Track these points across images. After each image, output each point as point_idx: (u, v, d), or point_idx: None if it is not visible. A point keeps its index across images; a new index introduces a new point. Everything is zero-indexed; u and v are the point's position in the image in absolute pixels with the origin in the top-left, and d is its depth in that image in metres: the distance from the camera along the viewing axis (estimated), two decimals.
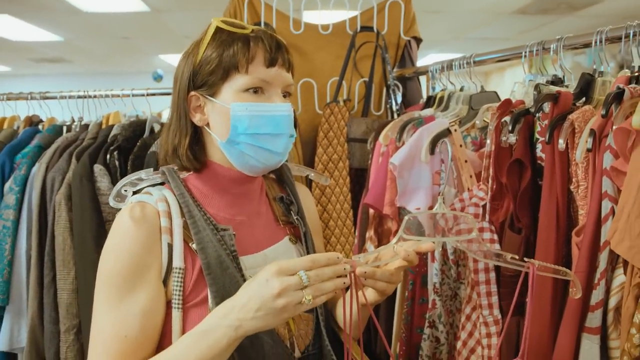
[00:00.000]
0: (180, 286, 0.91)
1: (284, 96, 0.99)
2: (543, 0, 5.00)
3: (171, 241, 0.93)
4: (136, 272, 0.89)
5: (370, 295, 0.96)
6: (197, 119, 0.99)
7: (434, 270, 1.42)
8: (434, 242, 0.91)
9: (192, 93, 0.97)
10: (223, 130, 0.96)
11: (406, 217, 0.90)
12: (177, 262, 0.92)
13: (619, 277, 0.97)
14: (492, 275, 1.26)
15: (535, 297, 1.13)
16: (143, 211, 0.93)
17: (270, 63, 0.95)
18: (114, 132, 1.88)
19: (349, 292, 0.90)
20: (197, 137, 1.01)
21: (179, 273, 0.92)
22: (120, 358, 0.87)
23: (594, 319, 0.99)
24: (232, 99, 0.94)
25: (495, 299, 1.26)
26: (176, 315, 0.91)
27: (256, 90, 0.95)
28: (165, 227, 0.93)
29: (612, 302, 0.98)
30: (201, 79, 0.96)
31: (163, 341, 0.91)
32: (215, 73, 0.94)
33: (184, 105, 0.99)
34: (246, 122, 0.93)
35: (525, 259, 0.92)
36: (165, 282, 0.92)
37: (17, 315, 1.79)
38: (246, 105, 0.94)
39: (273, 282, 0.79)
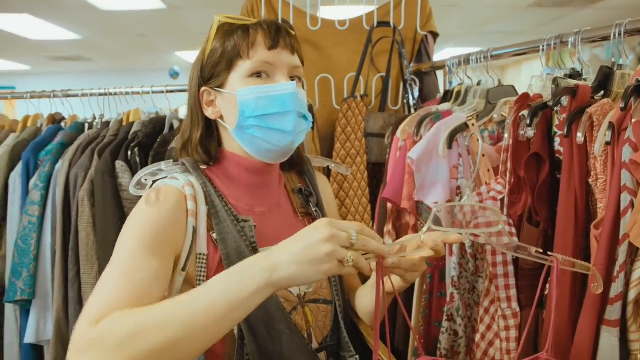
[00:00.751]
0: (204, 272, 0.93)
1: (292, 79, 1.00)
2: None
3: (196, 225, 0.94)
4: (155, 240, 0.87)
5: (395, 281, 0.96)
6: (209, 112, 1.01)
7: (452, 264, 1.43)
8: (461, 234, 0.92)
9: (203, 88, 1.01)
10: (233, 118, 0.98)
11: (435, 209, 0.91)
12: (202, 248, 0.94)
13: (638, 270, 0.97)
14: (511, 268, 1.27)
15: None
16: (159, 194, 0.92)
17: (272, 45, 0.96)
18: (134, 129, 1.91)
19: (374, 280, 0.90)
20: (211, 131, 1.03)
21: (202, 259, 0.93)
22: (131, 298, 0.80)
23: (613, 312, 0.99)
24: (238, 86, 0.96)
25: (513, 292, 1.26)
26: None
27: (259, 74, 0.96)
28: (192, 210, 0.94)
29: (632, 295, 0.98)
30: (209, 73, 1.00)
31: None
32: (220, 64, 0.98)
33: (195, 101, 1.02)
34: (253, 105, 0.95)
35: (549, 253, 0.91)
36: (185, 266, 0.92)
37: (43, 309, 1.83)
38: (251, 89, 0.95)
39: (324, 228, 0.76)
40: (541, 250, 0.92)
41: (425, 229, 0.90)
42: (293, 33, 1.03)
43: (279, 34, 0.98)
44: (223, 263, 0.93)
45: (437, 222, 0.92)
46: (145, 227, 0.88)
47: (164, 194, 0.93)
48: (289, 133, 0.98)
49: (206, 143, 1.02)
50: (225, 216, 0.96)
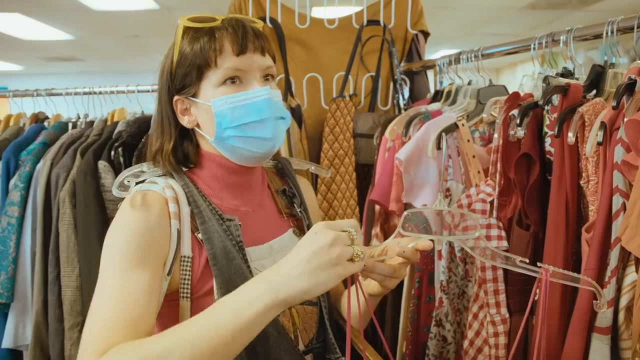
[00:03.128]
0: (189, 275, 0.90)
1: (266, 79, 0.97)
2: None
3: (180, 227, 0.91)
4: (143, 248, 0.86)
5: (373, 288, 0.96)
6: (185, 121, 0.99)
7: (440, 268, 1.40)
8: (432, 240, 0.88)
9: (176, 97, 0.97)
10: (210, 128, 0.96)
11: (405, 213, 0.87)
12: (186, 250, 0.91)
13: (631, 276, 0.94)
14: (500, 273, 1.23)
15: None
16: (145, 198, 0.91)
17: (240, 51, 0.93)
18: (118, 128, 1.87)
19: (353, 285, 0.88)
20: (189, 137, 1.01)
21: (187, 262, 0.90)
22: (128, 322, 0.79)
23: (604, 319, 0.96)
24: (211, 96, 0.93)
25: (502, 297, 1.23)
26: (185, 305, 0.89)
27: (233, 80, 0.93)
28: (174, 212, 0.91)
29: (623, 301, 0.94)
30: (179, 82, 0.96)
31: None
32: (190, 74, 0.94)
33: (167, 110, 0.99)
34: (229, 116, 0.93)
35: (539, 264, 0.84)
36: (170, 270, 0.89)
37: (21, 313, 1.80)
38: (225, 99, 0.93)
39: (325, 233, 0.74)
40: (527, 260, 0.86)
41: (392, 236, 0.87)
42: (261, 29, 0.99)
43: (246, 37, 0.94)
44: (209, 264, 0.91)
45: (424, 224, 0.88)
46: (131, 237, 0.86)
47: (139, 205, 0.90)
48: (269, 139, 0.96)
49: (184, 149, 1.00)
50: (209, 215, 0.94)
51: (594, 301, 0.86)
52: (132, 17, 5.68)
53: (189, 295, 0.90)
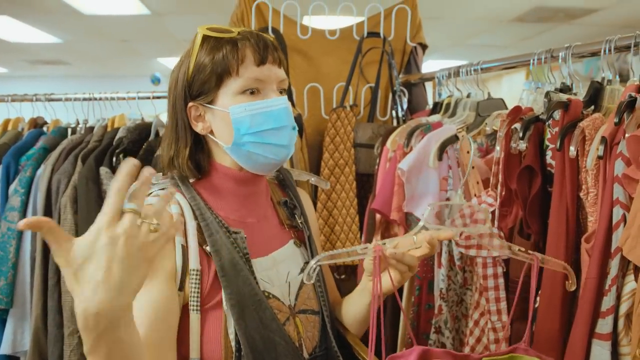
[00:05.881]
0: (198, 288, 0.91)
1: (280, 92, 1.00)
2: (541, 9, 5.03)
3: (185, 243, 0.93)
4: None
5: (384, 284, 1.00)
6: (199, 128, 1.00)
7: (440, 276, 1.43)
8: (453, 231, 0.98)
9: (191, 104, 0.98)
10: (227, 135, 0.97)
11: (429, 206, 0.94)
12: (194, 264, 0.92)
13: (630, 284, 0.98)
14: (501, 281, 1.27)
15: (546, 303, 1.14)
16: None
17: (261, 61, 0.96)
18: (119, 134, 1.87)
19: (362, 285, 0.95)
20: (200, 145, 1.02)
21: (195, 275, 0.91)
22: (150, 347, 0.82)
23: (604, 325, 0.99)
24: (229, 103, 0.95)
25: (504, 304, 1.26)
26: (194, 317, 0.90)
27: (252, 91, 0.96)
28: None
29: (623, 309, 0.98)
30: (197, 89, 0.97)
31: (180, 344, 0.91)
32: (209, 81, 0.95)
33: (183, 117, 0.99)
34: (247, 122, 0.95)
35: (530, 252, 0.99)
36: (181, 285, 0.91)
37: (20, 319, 1.78)
38: (244, 106, 0.95)
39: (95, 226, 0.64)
40: (524, 249, 1.04)
41: (417, 228, 0.92)
42: (276, 45, 1.02)
43: (266, 49, 0.97)
44: (218, 275, 0.92)
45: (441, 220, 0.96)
46: None
47: None
48: (285, 147, 0.99)
49: (196, 157, 1.01)
50: (217, 228, 0.96)
51: (566, 281, 1.03)
52: (122, 22, 5.65)
53: (198, 307, 0.91)
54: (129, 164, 0.66)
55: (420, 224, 0.94)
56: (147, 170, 0.67)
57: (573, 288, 0.99)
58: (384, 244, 0.88)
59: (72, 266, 0.62)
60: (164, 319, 0.87)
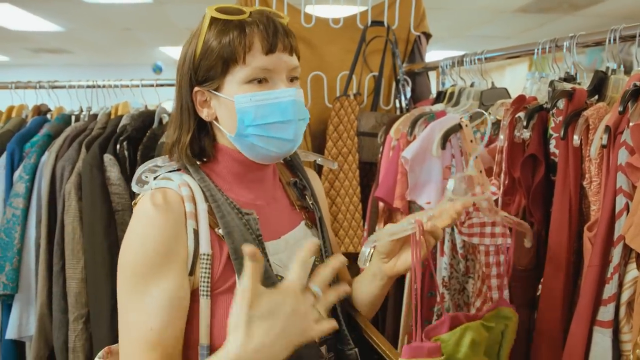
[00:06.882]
0: (209, 273, 0.89)
1: (291, 80, 0.96)
2: None
3: (197, 227, 0.90)
4: (162, 260, 0.86)
5: (399, 267, 1.00)
6: (204, 114, 0.97)
7: (443, 265, 1.43)
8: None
9: (197, 89, 0.95)
10: (231, 123, 0.94)
11: (452, 178, 1.02)
12: (205, 248, 0.89)
13: (632, 272, 0.98)
14: (503, 269, 1.28)
15: (547, 291, 1.15)
16: (165, 197, 0.90)
17: (269, 50, 0.91)
18: (123, 122, 1.88)
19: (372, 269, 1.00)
20: (205, 130, 0.99)
21: (206, 259, 0.89)
22: (146, 349, 0.84)
23: (606, 313, 1.00)
24: (235, 91, 0.92)
25: (506, 292, 1.27)
26: (204, 302, 0.88)
27: (260, 80, 0.92)
28: (190, 212, 0.90)
29: (625, 297, 0.98)
30: (202, 75, 0.94)
31: (190, 330, 0.89)
32: (215, 68, 0.92)
33: (187, 100, 0.96)
34: (252, 114, 0.91)
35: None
36: (192, 270, 0.89)
37: (25, 304, 1.80)
38: (249, 96, 0.91)
39: (294, 298, 0.79)
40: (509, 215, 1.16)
41: (445, 199, 1.01)
42: (287, 25, 0.97)
43: (276, 35, 0.91)
44: (231, 258, 0.90)
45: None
46: (147, 252, 0.87)
47: (160, 204, 0.89)
48: (290, 141, 0.95)
49: (200, 142, 0.98)
50: (228, 209, 0.93)
51: (524, 239, 1.13)
52: (124, 10, 5.63)
53: (208, 292, 0.89)
54: (314, 244, 0.82)
55: (447, 196, 1.00)
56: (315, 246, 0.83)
57: (529, 245, 1.10)
58: (423, 217, 0.93)
59: (255, 312, 0.75)
60: (179, 309, 0.87)
